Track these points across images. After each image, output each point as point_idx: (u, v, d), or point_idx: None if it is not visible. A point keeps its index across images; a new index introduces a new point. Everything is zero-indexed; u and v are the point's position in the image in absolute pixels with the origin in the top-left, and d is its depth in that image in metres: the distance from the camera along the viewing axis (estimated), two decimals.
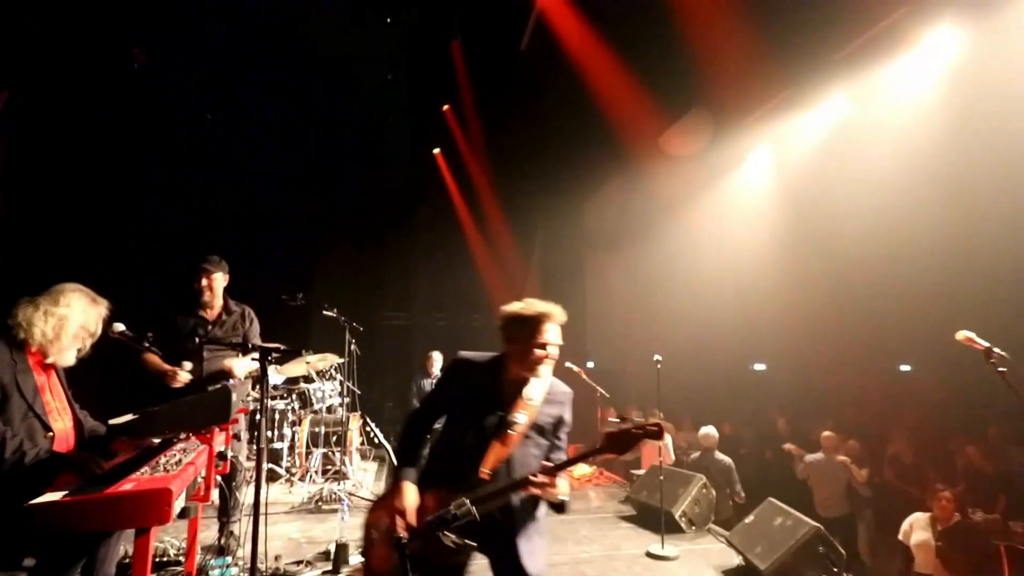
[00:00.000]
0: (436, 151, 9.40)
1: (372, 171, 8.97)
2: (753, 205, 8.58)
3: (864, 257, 7.16)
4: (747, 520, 4.44)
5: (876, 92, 6.40)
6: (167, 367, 3.12)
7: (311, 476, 5.13)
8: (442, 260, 10.09)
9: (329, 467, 5.23)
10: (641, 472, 6.13)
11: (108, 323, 2.32)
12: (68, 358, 2.27)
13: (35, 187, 6.09)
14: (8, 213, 5.73)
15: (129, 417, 1.91)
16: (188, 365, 3.22)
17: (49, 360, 2.25)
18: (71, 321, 2.26)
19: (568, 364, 7.88)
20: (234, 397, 1.88)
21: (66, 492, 1.61)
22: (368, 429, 3.01)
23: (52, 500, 1.55)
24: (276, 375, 5.62)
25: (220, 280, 3.52)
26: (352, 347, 6.20)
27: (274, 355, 2.01)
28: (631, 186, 9.79)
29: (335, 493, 4.53)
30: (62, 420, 2.30)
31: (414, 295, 10.29)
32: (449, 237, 9.98)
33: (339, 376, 6.06)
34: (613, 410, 8.21)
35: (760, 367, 10.22)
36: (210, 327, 3.42)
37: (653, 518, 5.35)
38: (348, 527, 3.69)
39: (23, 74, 5.97)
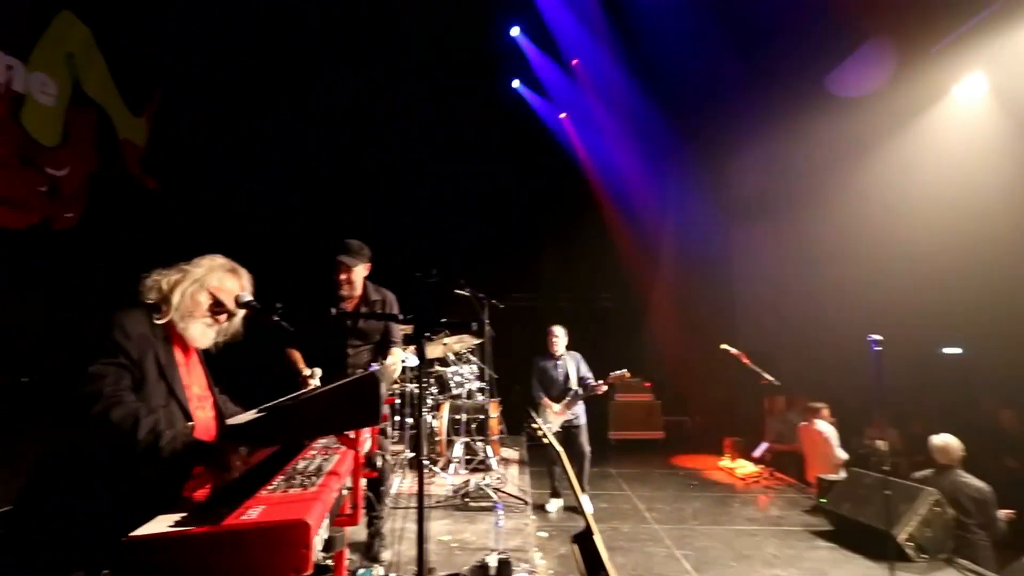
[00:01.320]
0: (562, 115, 8.65)
1: (494, 143, 8.47)
2: (955, 151, 6.78)
3: None
4: None
5: None
6: (302, 368, 2.84)
7: (454, 467, 4.75)
8: (571, 235, 9.32)
9: (471, 457, 4.83)
10: (835, 477, 5.00)
11: None
12: (195, 331, 1.89)
13: (189, 177, 6.36)
14: (166, 204, 6.02)
15: (252, 415, 1.43)
16: (319, 372, 2.87)
17: (180, 330, 1.89)
18: (190, 277, 1.89)
19: (724, 346, 6.90)
20: (382, 388, 1.35)
21: (176, 521, 1.15)
22: (534, 427, 2.43)
23: (152, 533, 1.09)
24: (412, 357, 5.32)
25: (360, 271, 3.20)
26: (487, 327, 5.74)
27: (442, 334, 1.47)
28: (785, 141, 8.33)
29: (482, 489, 4.08)
30: (203, 409, 1.95)
31: (540, 273, 9.66)
32: (580, 209, 9.19)
33: (474, 359, 5.64)
34: (784, 399, 7.02)
35: (953, 351, 8.33)
36: (348, 322, 3.13)
37: (859, 537, 4.27)
38: (504, 534, 3.20)
39: (177, 72, 6.23)
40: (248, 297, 1.83)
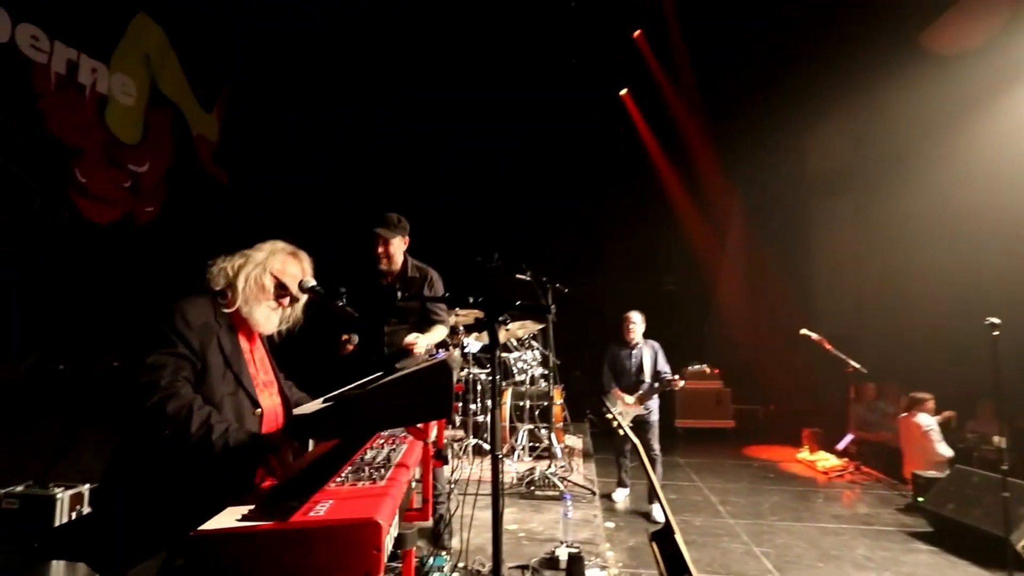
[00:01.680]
0: (623, 92, 8.28)
1: (552, 123, 8.23)
2: None
3: None
4: None
5: None
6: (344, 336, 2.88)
7: (518, 454, 4.67)
8: (634, 215, 8.92)
9: (535, 444, 4.73)
10: (934, 474, 4.54)
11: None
12: (259, 316, 1.86)
13: (257, 167, 6.55)
14: (234, 190, 6.23)
15: (318, 405, 1.36)
16: (355, 338, 2.93)
17: (244, 315, 1.86)
18: (252, 261, 1.86)
19: (804, 331, 6.43)
20: (453, 377, 1.25)
21: (244, 514, 1.10)
22: (608, 417, 2.28)
23: (219, 529, 1.04)
24: (474, 342, 5.27)
25: (399, 244, 3.16)
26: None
27: (507, 317, 1.36)
28: (873, 107, 7.59)
29: (548, 478, 3.97)
30: (269, 395, 1.92)
31: (601, 256, 9.35)
32: (641, 189, 8.81)
33: (537, 344, 5.52)
34: (873, 387, 6.49)
35: None
36: (385, 294, 3.07)
37: (965, 542, 3.85)
38: (572, 525, 3.09)
39: (242, 68, 6.40)
40: (312, 282, 1.78)
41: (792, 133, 8.27)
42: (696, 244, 9.09)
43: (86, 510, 3.51)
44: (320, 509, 1.11)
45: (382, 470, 1.40)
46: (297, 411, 1.30)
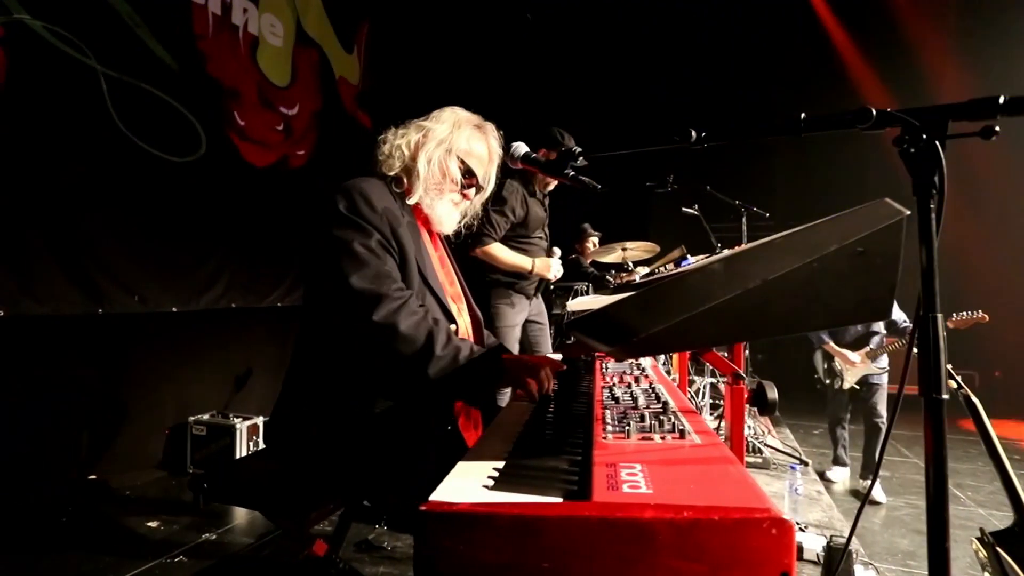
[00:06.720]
0: None
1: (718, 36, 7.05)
2: None
3: None
4: None
5: None
6: (523, 263, 2.50)
7: (703, 410, 4.01)
8: (808, 139, 7.42)
9: (717, 402, 4.04)
10: None
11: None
12: (442, 210, 1.44)
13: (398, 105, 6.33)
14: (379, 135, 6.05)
15: (599, 298, 0.68)
16: (557, 251, 2.61)
17: (425, 209, 1.44)
18: (434, 137, 1.42)
19: None
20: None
21: (493, 479, 0.60)
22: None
23: (470, 505, 0.54)
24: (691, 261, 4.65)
25: None
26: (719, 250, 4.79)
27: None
28: None
29: (750, 442, 3.30)
30: (459, 313, 1.51)
31: (773, 187, 7.95)
32: (822, 103, 7.30)
33: None
34: None
35: None
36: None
37: None
38: (803, 503, 2.42)
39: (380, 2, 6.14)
40: (524, 148, 1.25)
41: None
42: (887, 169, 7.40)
43: (261, 444, 3.56)
44: (638, 481, 0.59)
45: (672, 417, 0.87)
46: (573, 305, 0.81)
